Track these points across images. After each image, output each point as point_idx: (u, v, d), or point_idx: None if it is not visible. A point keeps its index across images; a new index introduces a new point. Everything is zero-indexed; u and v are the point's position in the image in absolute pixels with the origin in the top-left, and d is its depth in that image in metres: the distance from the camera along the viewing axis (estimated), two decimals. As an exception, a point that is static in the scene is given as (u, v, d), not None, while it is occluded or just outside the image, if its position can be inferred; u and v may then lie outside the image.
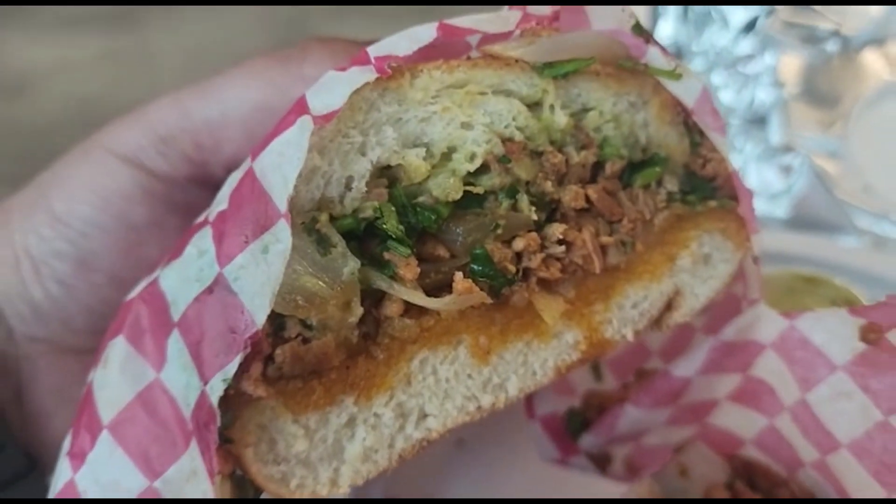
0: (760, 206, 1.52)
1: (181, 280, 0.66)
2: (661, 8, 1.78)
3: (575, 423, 1.07)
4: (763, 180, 1.59)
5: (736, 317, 0.93)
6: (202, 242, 0.65)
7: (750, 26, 1.72)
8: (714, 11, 1.73)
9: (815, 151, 1.60)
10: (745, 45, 1.72)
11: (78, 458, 0.70)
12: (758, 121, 1.66)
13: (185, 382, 0.64)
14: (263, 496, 0.72)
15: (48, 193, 0.93)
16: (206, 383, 0.62)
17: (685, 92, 0.79)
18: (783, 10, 1.72)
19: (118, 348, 0.70)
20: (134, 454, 0.66)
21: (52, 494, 0.73)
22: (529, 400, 1.08)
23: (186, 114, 0.89)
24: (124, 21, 2.29)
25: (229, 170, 0.89)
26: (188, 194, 0.93)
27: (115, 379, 0.69)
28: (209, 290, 0.63)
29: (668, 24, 1.78)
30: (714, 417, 1.02)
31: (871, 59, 1.69)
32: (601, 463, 1.09)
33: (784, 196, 1.57)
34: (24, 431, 0.96)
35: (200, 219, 0.71)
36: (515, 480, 1.20)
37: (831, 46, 1.70)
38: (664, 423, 1.03)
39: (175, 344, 0.65)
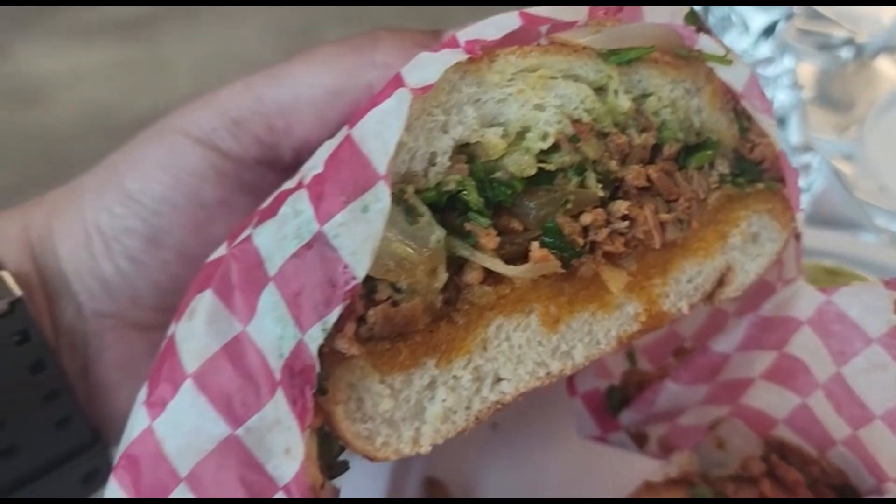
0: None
1: (277, 238, 0.68)
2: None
3: (615, 400, 1.11)
4: (784, 179, 1.64)
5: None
6: (298, 204, 0.68)
7: (769, 30, 1.77)
8: (734, 16, 1.78)
9: (831, 154, 1.65)
10: (765, 49, 1.77)
11: (157, 406, 0.71)
12: (778, 121, 1.69)
13: (278, 334, 0.66)
14: (345, 455, 0.76)
15: (121, 172, 0.96)
16: (304, 332, 0.64)
17: (735, 77, 0.85)
18: (798, 18, 1.78)
19: (205, 301, 0.71)
20: (217, 402, 0.68)
21: (125, 442, 0.74)
22: (571, 379, 1.12)
23: (259, 97, 0.92)
24: (138, 30, 2.32)
25: (298, 152, 0.93)
26: (256, 175, 0.96)
27: (201, 331, 0.70)
28: (308, 245, 0.65)
29: (689, 29, 1.84)
30: (748, 398, 1.06)
31: (885, 66, 1.75)
32: (638, 441, 1.13)
33: (804, 194, 1.60)
34: (89, 404, 0.99)
35: (293, 184, 0.74)
36: (552, 459, 1.24)
37: (845, 53, 1.76)
38: (700, 402, 1.07)
39: (269, 297, 0.67)
